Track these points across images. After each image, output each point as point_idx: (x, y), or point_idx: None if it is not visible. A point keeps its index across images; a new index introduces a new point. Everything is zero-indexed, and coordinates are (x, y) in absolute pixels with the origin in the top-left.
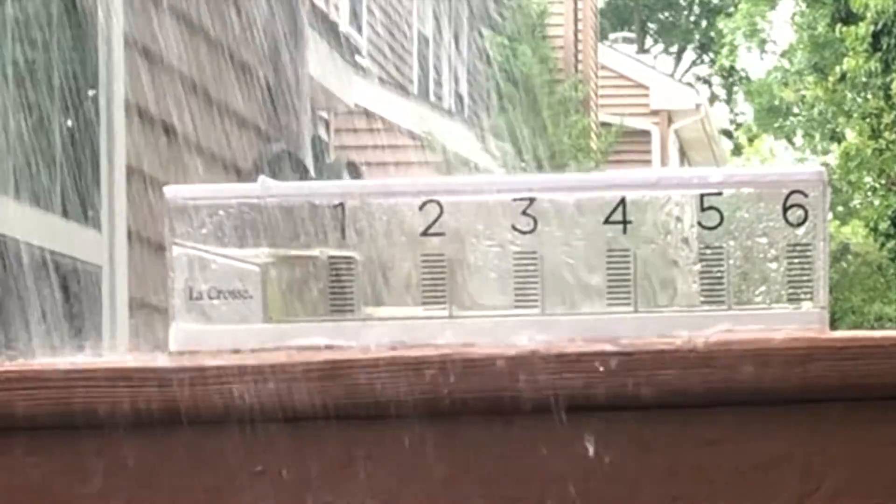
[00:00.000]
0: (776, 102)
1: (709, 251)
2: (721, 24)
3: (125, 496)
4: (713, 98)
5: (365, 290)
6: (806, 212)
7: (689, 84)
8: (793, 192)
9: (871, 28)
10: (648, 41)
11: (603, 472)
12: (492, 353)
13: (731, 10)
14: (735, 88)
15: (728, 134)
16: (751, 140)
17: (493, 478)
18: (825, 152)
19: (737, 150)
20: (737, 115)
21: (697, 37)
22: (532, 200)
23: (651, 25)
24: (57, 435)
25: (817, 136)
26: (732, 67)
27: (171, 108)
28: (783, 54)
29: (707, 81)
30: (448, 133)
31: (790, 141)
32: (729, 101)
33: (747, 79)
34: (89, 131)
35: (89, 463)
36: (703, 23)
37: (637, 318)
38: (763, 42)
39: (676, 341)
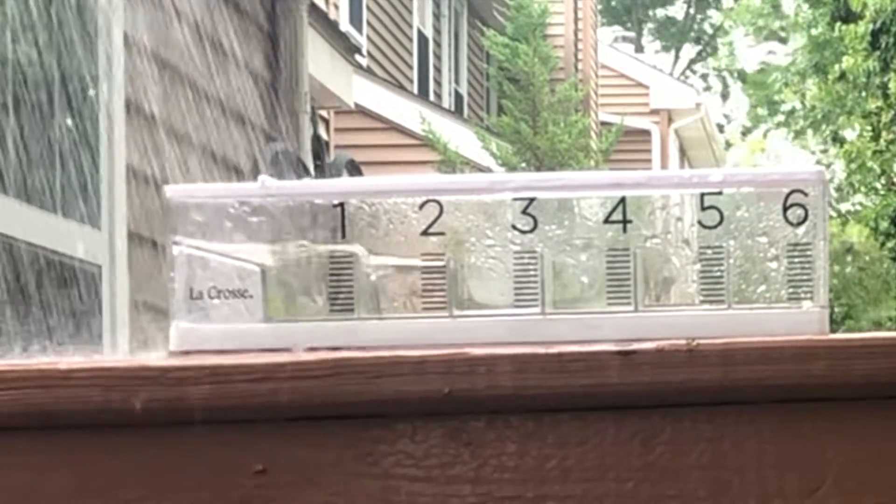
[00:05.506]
0: (775, 100)
1: (709, 251)
2: (720, 20)
3: (125, 496)
4: (725, 93)
5: (365, 290)
6: (806, 211)
7: (687, 82)
8: (793, 191)
9: (870, 27)
10: (645, 39)
11: (604, 471)
12: (492, 353)
13: (732, 6)
14: (734, 86)
15: (720, 128)
16: (743, 135)
17: (495, 478)
18: (824, 151)
19: (727, 146)
20: (731, 111)
21: (694, 34)
22: (532, 200)
23: (648, 24)
24: (57, 435)
25: (818, 136)
26: (729, 67)
27: (171, 107)
28: (779, 41)
29: (704, 78)
30: (448, 133)
31: (793, 136)
32: (725, 96)
33: (745, 73)
34: (89, 131)
35: (89, 463)
36: (700, 20)
37: (637, 318)
38: (763, 40)
39: (676, 341)
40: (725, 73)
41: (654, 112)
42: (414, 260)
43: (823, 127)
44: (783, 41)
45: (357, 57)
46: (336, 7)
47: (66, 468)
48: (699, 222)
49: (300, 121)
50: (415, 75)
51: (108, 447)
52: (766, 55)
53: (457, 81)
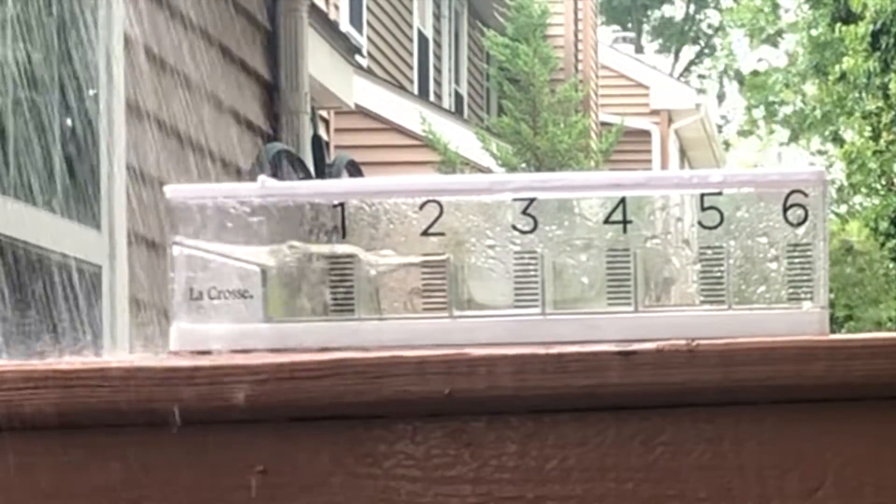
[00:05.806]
0: (773, 101)
1: (709, 251)
2: (719, 21)
3: (126, 496)
4: (722, 93)
5: (365, 290)
6: (806, 211)
7: (686, 82)
8: (793, 191)
9: (871, 27)
10: (644, 39)
11: (604, 471)
12: (492, 353)
13: (731, 6)
14: (730, 86)
15: (718, 129)
16: (741, 136)
17: (495, 478)
18: (823, 153)
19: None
20: (728, 111)
21: (693, 35)
22: (532, 200)
23: (647, 24)
24: (57, 435)
25: (818, 137)
26: (728, 68)
27: (171, 107)
28: (772, 46)
29: (702, 79)
30: (448, 133)
31: (790, 138)
32: (722, 97)
33: (742, 75)
34: (89, 131)
35: (90, 463)
36: (699, 20)
37: (637, 318)
38: (761, 43)
39: (676, 341)
40: (724, 75)
41: (655, 112)
42: (414, 260)
43: (826, 128)
44: (776, 45)
45: (357, 57)
46: (336, 7)
47: (66, 468)
48: (699, 223)
49: (300, 121)
50: (415, 76)
51: (108, 447)
52: (763, 57)
53: (457, 82)
